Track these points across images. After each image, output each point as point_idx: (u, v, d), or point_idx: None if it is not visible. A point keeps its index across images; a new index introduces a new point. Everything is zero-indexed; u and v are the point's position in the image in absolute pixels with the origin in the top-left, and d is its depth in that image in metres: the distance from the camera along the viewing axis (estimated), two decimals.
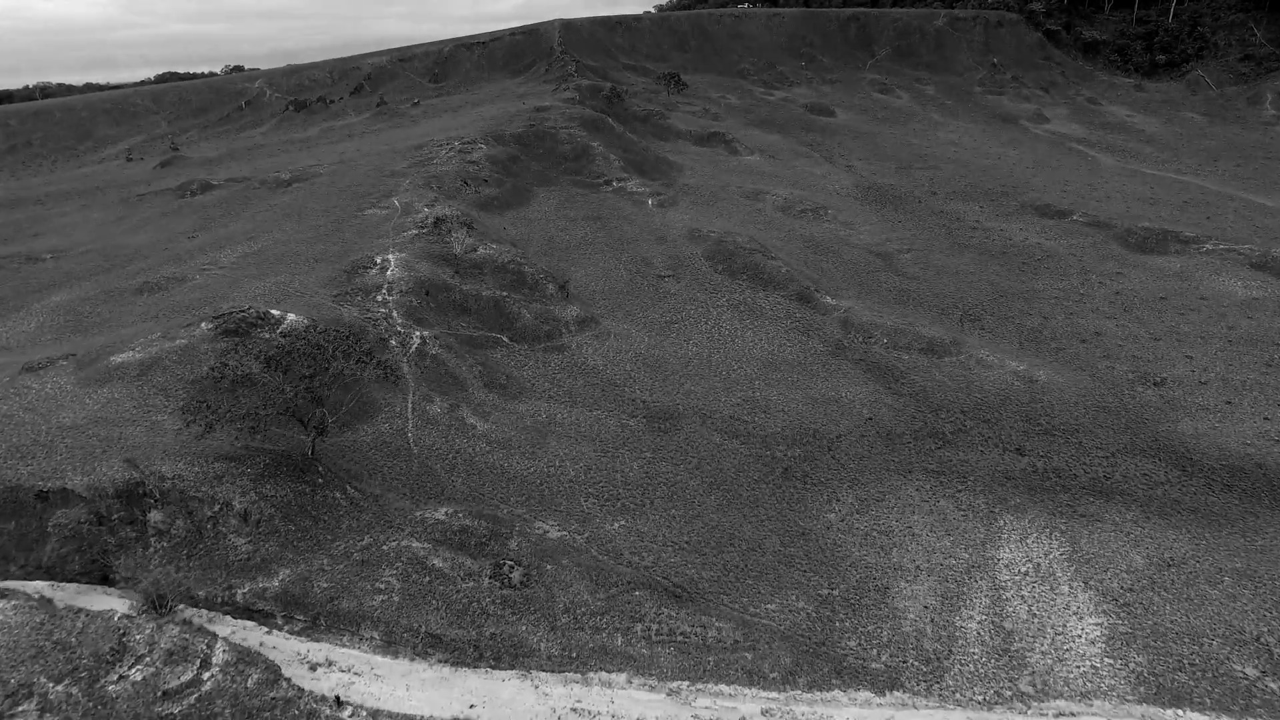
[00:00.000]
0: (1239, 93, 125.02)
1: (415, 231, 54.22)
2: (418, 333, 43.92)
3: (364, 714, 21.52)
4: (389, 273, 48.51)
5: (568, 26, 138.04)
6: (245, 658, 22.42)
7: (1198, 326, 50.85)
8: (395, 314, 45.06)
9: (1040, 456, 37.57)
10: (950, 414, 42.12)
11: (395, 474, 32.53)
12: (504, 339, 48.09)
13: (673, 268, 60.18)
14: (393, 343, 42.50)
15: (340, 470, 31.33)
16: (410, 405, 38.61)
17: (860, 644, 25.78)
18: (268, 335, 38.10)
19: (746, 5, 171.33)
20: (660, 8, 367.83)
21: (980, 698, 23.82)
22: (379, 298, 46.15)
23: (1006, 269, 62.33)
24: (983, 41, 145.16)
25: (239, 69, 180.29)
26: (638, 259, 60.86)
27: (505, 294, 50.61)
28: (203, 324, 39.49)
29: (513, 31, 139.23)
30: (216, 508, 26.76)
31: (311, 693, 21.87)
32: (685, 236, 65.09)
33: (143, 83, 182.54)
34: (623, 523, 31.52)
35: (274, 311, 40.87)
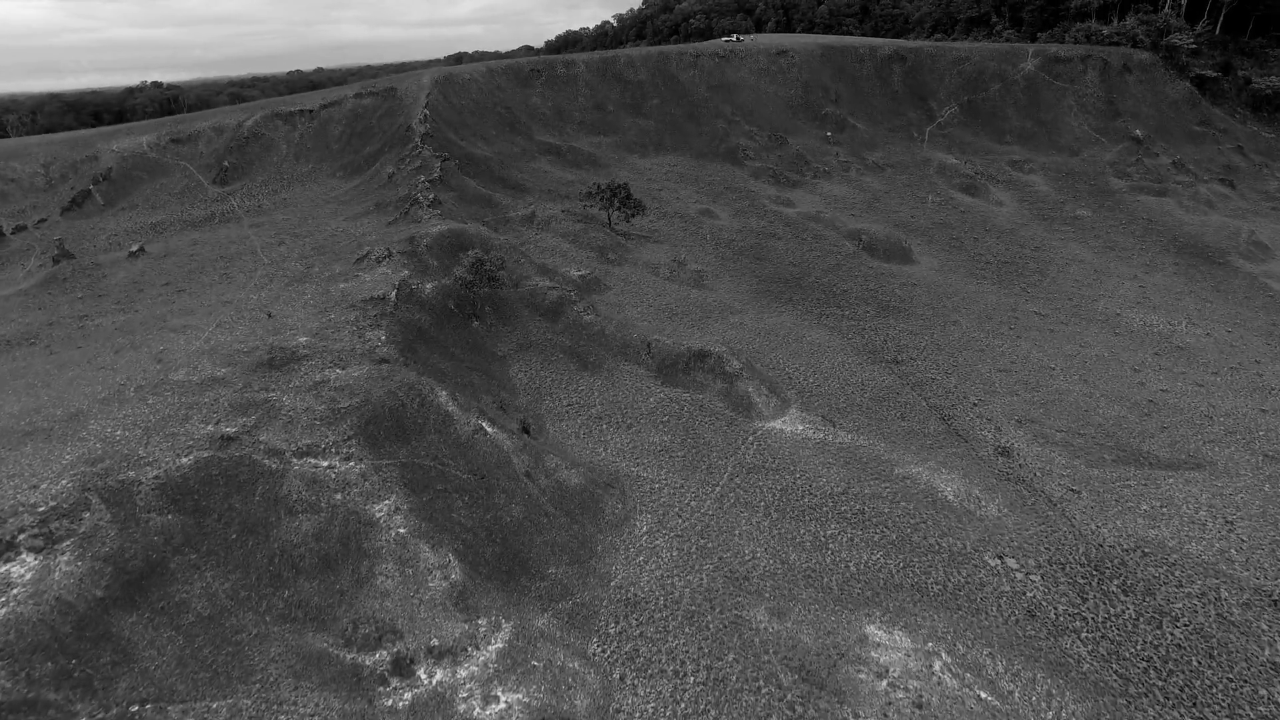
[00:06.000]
0: None
1: None
2: None
3: None
4: None
5: (447, 83, 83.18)
6: None
7: None
8: None
9: None
10: None
11: None
12: None
13: None
14: None
15: None
16: None
17: None
18: None
19: (735, 39, 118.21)
20: (620, 18, 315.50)
21: None
22: None
23: None
24: (1101, 95, 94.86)
25: None
26: None
27: None
28: None
29: (359, 93, 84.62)
30: None
31: None
32: None
33: None
34: None
35: None
